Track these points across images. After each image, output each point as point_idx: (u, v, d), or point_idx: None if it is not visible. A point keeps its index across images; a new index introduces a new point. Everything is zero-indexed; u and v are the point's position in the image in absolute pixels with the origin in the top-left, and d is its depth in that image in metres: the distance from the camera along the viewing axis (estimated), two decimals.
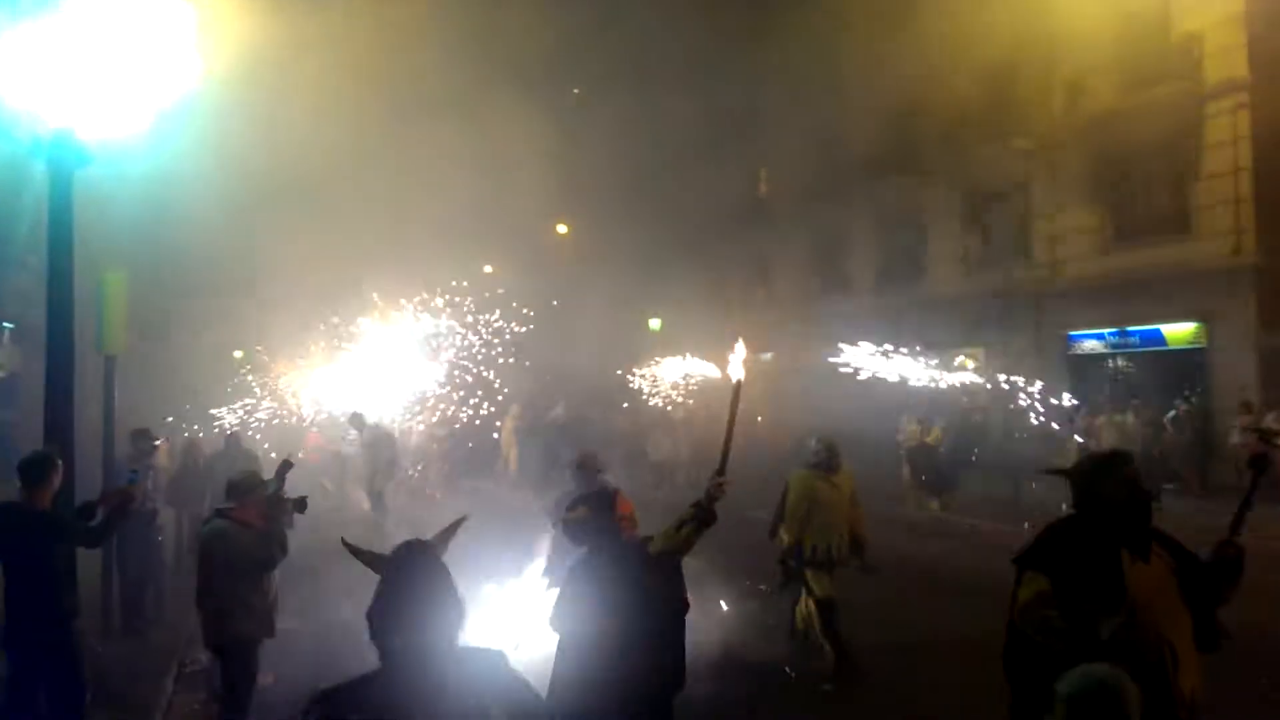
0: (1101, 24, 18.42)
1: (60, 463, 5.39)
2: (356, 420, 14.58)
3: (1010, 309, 21.10)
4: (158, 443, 9.26)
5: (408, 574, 2.37)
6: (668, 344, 28.32)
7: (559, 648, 3.93)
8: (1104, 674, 2.63)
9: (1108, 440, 16.43)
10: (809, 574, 7.10)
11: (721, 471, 4.01)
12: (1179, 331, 17.88)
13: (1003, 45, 20.26)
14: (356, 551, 2.68)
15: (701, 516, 3.91)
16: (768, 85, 29.32)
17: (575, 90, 35.90)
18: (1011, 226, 21.86)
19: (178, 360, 20.47)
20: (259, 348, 20.87)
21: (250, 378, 21.04)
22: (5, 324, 15.96)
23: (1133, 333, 18.62)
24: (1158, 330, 18.15)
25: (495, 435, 21.82)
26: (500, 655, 2.43)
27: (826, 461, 7.28)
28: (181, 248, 18.94)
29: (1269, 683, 6.38)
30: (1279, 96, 16.42)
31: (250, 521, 5.52)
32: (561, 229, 36.32)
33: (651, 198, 34.33)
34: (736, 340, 4.33)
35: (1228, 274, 16.68)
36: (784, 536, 7.25)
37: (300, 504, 5.87)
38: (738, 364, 4.24)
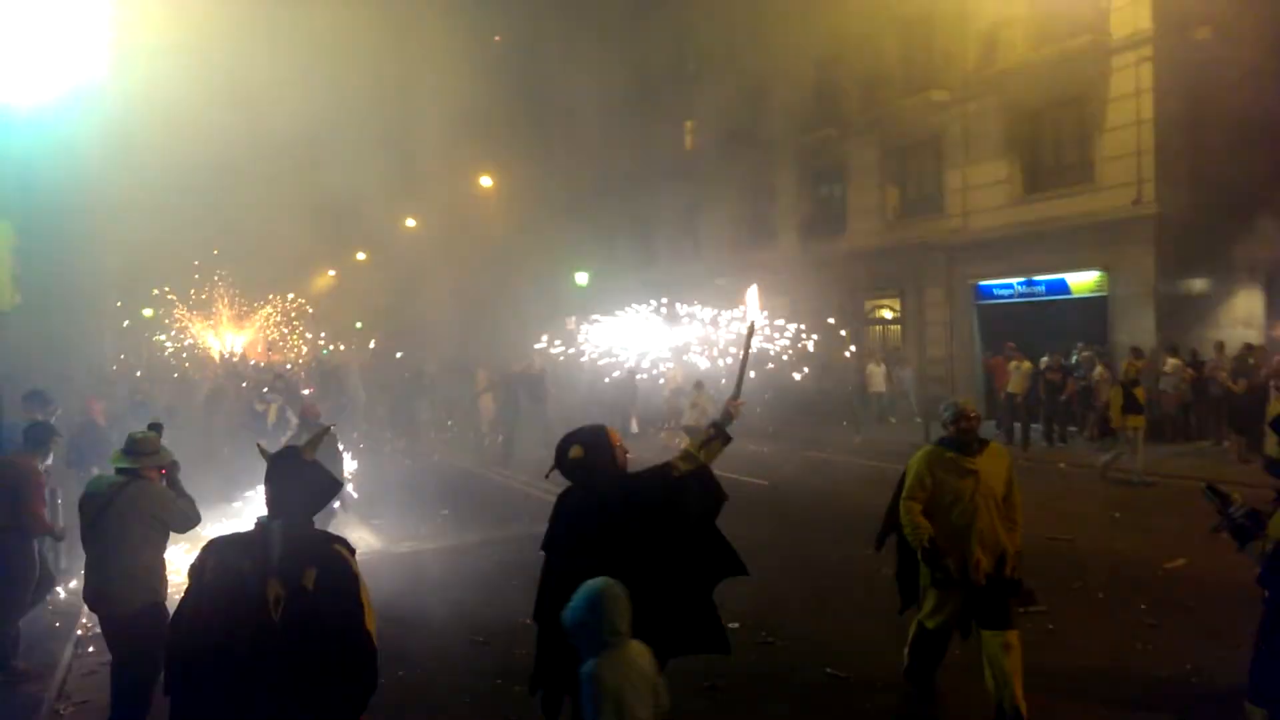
0: None
1: None
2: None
3: (925, 260, 21.65)
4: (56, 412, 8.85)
5: (273, 470, 3.23)
6: (594, 299, 28.29)
7: (546, 571, 4.04)
8: (592, 585, 3.28)
9: (1013, 385, 17.12)
10: (929, 593, 5.34)
11: (736, 395, 4.60)
12: (1083, 281, 18.54)
13: None
14: (263, 452, 3.44)
15: (722, 435, 4.35)
16: (694, 36, 29.17)
17: (496, 38, 35.12)
18: (927, 179, 22.30)
19: (81, 322, 19.73)
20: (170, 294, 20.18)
21: (162, 335, 20.40)
22: None
23: (1038, 282, 19.26)
24: (1063, 280, 18.80)
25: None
26: (337, 541, 3.16)
27: (958, 435, 5.24)
28: (75, 201, 18.13)
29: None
30: (1180, 49, 17.04)
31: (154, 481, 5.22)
32: (486, 181, 35.72)
33: (578, 151, 34.03)
34: (750, 287, 5.41)
35: (1129, 224, 17.30)
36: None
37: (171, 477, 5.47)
38: (753, 307, 5.33)
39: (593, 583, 3.31)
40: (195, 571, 3.05)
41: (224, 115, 21.01)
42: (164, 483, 5.27)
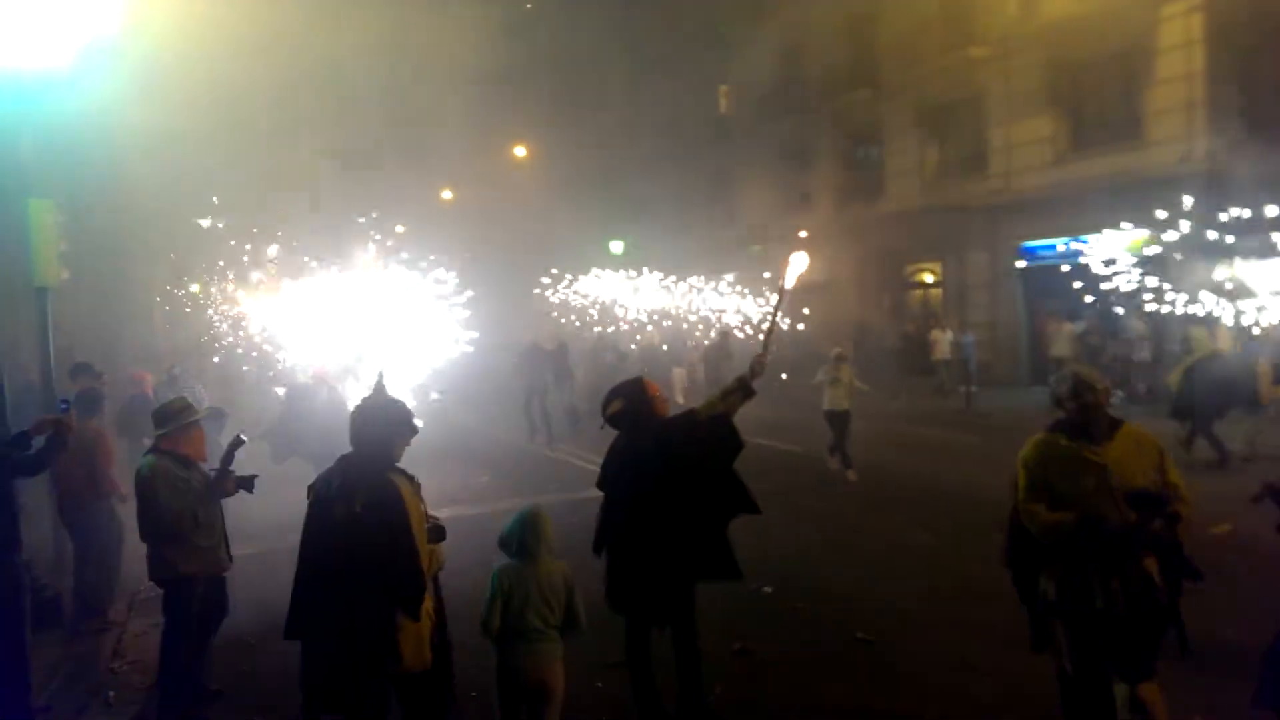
0: None
1: None
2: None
3: (965, 222, 21.24)
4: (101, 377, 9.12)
5: (359, 410, 3.89)
6: (629, 265, 28.22)
7: (609, 503, 4.73)
8: (525, 508, 4.12)
9: (1057, 349, 16.81)
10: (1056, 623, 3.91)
11: (764, 350, 4.90)
12: (1130, 241, 18.05)
13: None
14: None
15: (745, 388, 4.70)
16: (726, 1, 28.71)
17: (528, 4, 34.92)
18: (967, 139, 21.83)
19: (128, 294, 20.16)
20: (222, 277, 20.45)
21: (211, 311, 20.69)
22: None
23: (1083, 242, 18.81)
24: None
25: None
26: (394, 472, 3.78)
27: (1080, 416, 3.87)
28: (123, 181, 18.49)
29: None
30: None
31: (184, 454, 5.26)
32: (520, 151, 35.70)
33: (611, 118, 33.84)
34: (798, 253, 5.24)
35: (1178, 181, 16.79)
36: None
37: (247, 483, 5.44)
38: (793, 275, 5.23)
39: (526, 506, 4.13)
40: (313, 488, 3.82)
41: (247, 73, 21.10)
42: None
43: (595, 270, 25.15)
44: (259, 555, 7.34)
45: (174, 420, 5.25)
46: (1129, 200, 17.47)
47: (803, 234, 5.65)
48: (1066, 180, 18.85)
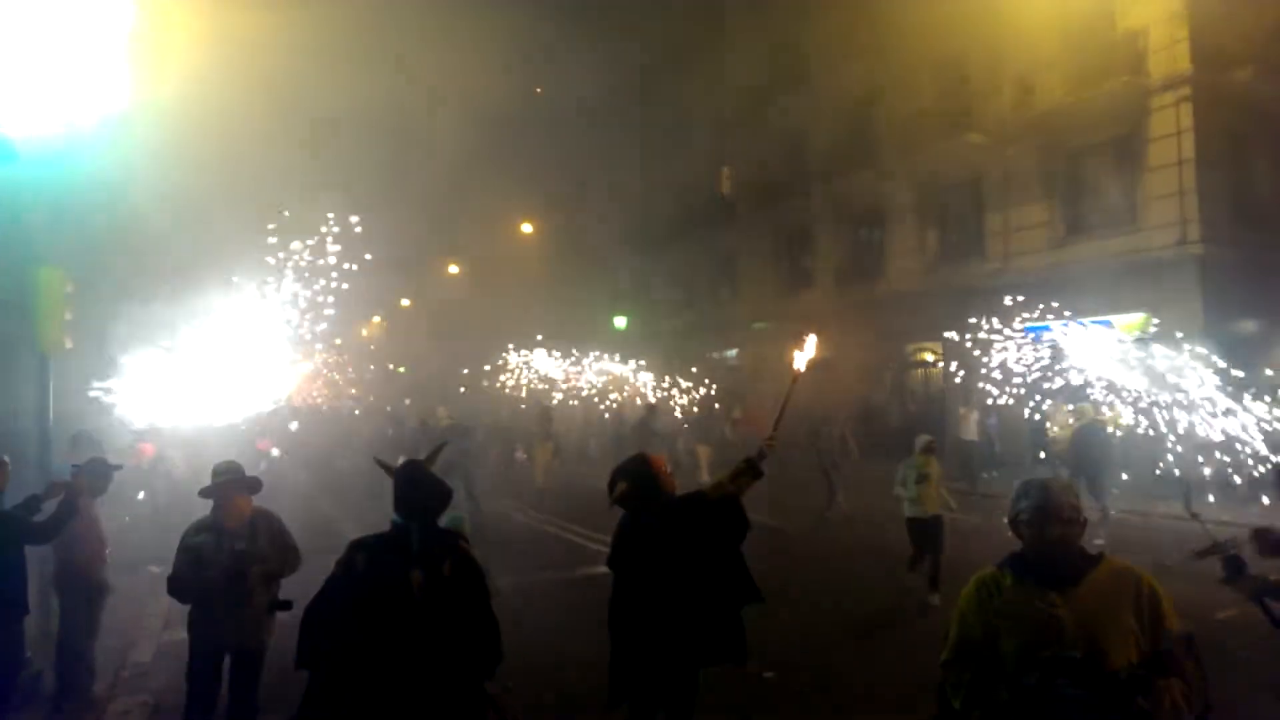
0: (1048, 21, 18.79)
1: (5, 461, 5.45)
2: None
3: (967, 303, 21.39)
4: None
5: (403, 479, 3.80)
6: (631, 343, 28.43)
7: (617, 584, 4.58)
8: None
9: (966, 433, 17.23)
10: None
11: (774, 431, 4.98)
12: (1128, 323, 18.19)
13: (955, 42, 20.63)
14: (384, 466, 4.15)
15: (754, 470, 4.72)
16: (729, 83, 29.51)
17: (538, 90, 35.87)
18: (967, 221, 22.16)
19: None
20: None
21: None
22: None
23: (1083, 325, 18.92)
24: (1108, 322, 18.44)
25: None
26: (461, 539, 3.95)
27: (1032, 550, 3.01)
28: (131, 250, 18.73)
29: None
30: (1219, 88, 16.89)
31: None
32: (527, 228, 36.25)
33: (616, 196, 34.44)
34: (808, 337, 5.49)
35: (1173, 265, 17.02)
36: None
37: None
38: (803, 359, 5.37)
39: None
40: (345, 564, 3.66)
41: (260, 148, 21.57)
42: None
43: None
44: None
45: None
46: (1127, 283, 17.70)
47: (810, 336, 5.62)
48: (1064, 263, 19.07)
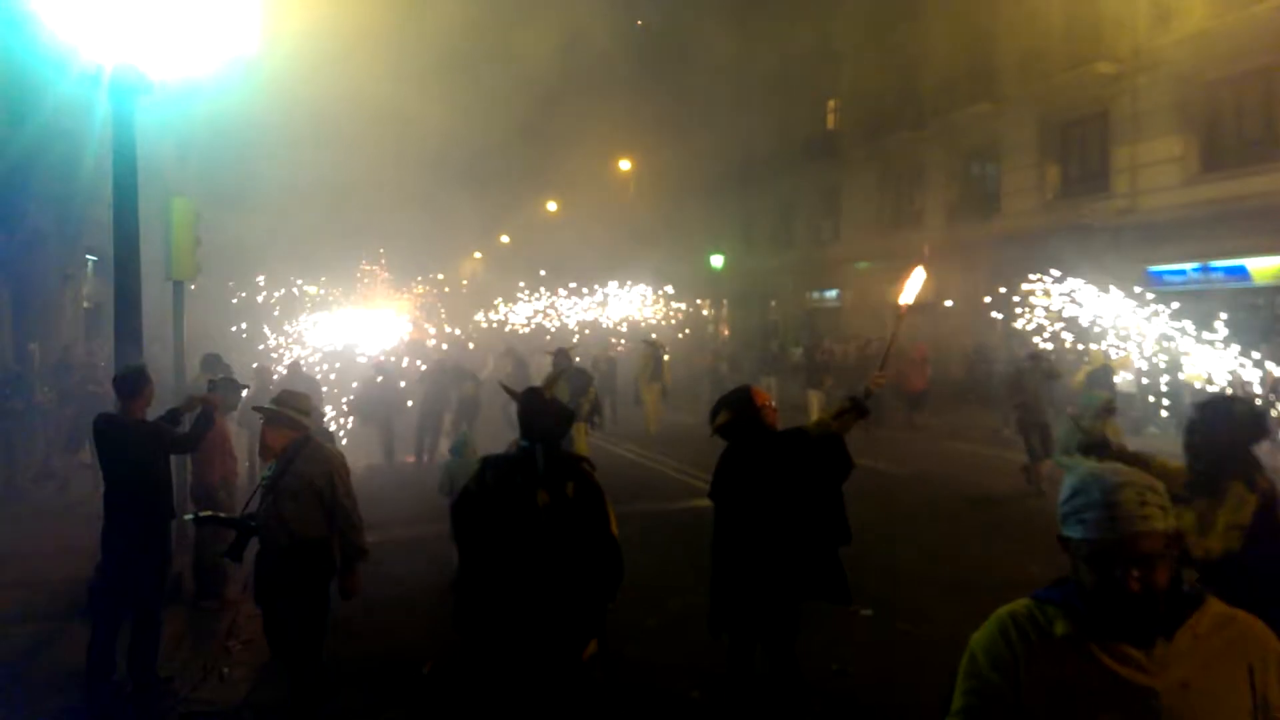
0: None
1: (150, 377, 5.74)
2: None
3: (1087, 242, 20.38)
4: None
5: (526, 405, 3.94)
6: (730, 282, 28.22)
7: (719, 515, 4.63)
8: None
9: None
10: None
11: (881, 369, 4.94)
12: (1266, 267, 17.04)
13: None
14: (510, 391, 4.29)
15: (858, 408, 4.62)
16: (839, 11, 28.39)
17: (639, 22, 35.35)
18: (1091, 157, 20.98)
19: (247, 292, 21.14)
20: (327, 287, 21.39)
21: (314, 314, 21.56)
22: (89, 256, 16.72)
23: (1215, 269, 17.82)
24: (1242, 266, 17.33)
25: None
26: (584, 461, 3.99)
27: (1097, 584, 1.83)
28: (254, 185, 19.52)
29: None
30: None
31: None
32: (625, 165, 36.08)
33: (718, 132, 33.87)
34: (915, 269, 5.11)
35: None
36: None
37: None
38: (911, 292, 5.07)
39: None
40: (478, 478, 3.85)
41: (372, 90, 22.04)
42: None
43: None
44: None
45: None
46: (1264, 226, 16.52)
47: (925, 250, 5.40)
48: (1196, 202, 17.91)
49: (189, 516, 6.04)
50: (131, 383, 5.55)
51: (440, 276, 43.11)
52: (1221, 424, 3.95)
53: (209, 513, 5.82)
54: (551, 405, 4.02)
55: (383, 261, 35.20)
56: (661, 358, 18.54)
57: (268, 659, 5.67)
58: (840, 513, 4.53)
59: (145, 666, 5.43)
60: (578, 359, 15.56)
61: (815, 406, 18.06)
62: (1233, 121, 17.99)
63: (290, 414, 4.86)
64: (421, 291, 37.19)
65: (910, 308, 5.15)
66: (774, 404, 4.78)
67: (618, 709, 4.89)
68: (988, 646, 1.95)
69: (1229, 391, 9.67)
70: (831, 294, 30.53)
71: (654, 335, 20.06)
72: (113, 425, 5.49)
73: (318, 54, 16.81)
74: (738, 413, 4.62)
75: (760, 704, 4.53)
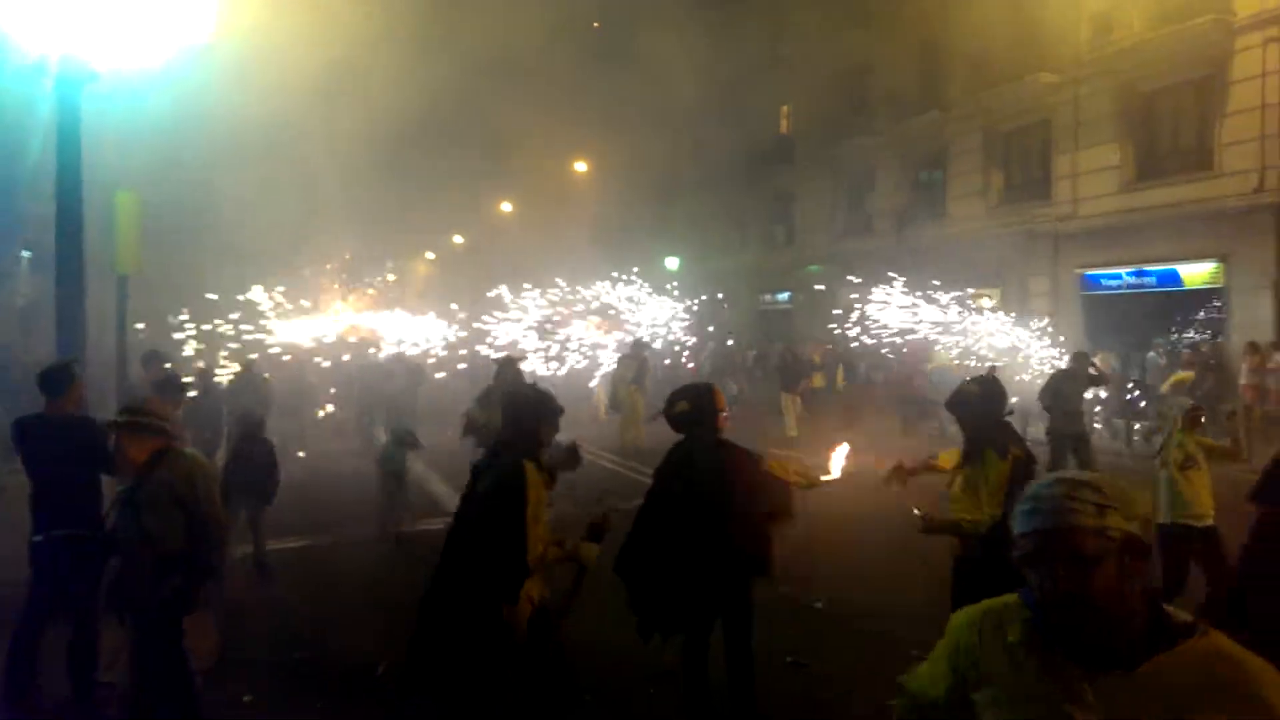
0: None
1: (78, 373, 5.42)
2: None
3: (1029, 248, 20.94)
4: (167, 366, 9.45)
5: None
6: (684, 285, 28.31)
7: (645, 502, 4.62)
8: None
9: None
10: None
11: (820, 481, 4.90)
12: (1197, 273, 17.67)
13: None
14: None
15: (816, 485, 4.79)
16: (790, 18, 28.75)
17: (595, 24, 35.34)
18: (1033, 164, 21.55)
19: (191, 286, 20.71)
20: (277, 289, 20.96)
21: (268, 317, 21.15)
22: (24, 251, 16.26)
23: (1149, 273, 18.43)
24: (1174, 271, 17.95)
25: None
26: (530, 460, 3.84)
27: (1046, 589, 1.67)
28: (199, 180, 19.13)
29: None
30: None
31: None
32: (581, 166, 36.05)
33: (671, 135, 34.00)
34: (841, 447, 5.09)
35: (1248, 213, 16.40)
36: None
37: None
38: (837, 466, 5.01)
39: None
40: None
41: (322, 84, 21.69)
42: None
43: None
44: None
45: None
46: (1198, 231, 17.14)
47: (842, 446, 5.22)
48: (1132, 209, 18.51)
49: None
50: (53, 378, 5.24)
51: (392, 278, 42.61)
52: (975, 400, 4.65)
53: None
54: (532, 402, 4.11)
55: (328, 267, 34.56)
56: (647, 361, 17.52)
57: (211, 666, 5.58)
58: (766, 546, 4.54)
59: (84, 673, 5.21)
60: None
61: (790, 410, 17.73)
62: (1168, 131, 18.63)
63: (152, 421, 4.38)
64: (373, 293, 36.72)
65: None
66: (726, 411, 4.76)
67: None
68: (956, 632, 1.89)
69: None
70: (783, 296, 30.88)
71: (641, 335, 18.93)
72: (35, 424, 5.21)
73: (267, 47, 16.54)
74: (696, 406, 4.64)
75: (715, 696, 4.57)
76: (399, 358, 17.97)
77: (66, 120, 6.14)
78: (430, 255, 52.08)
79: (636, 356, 17.09)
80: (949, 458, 4.95)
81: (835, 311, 20.77)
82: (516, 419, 3.97)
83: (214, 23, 6.77)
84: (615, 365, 17.22)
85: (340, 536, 9.47)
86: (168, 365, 9.15)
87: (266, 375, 13.44)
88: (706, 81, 31.43)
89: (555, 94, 33.60)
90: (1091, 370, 11.49)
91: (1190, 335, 17.71)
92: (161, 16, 6.46)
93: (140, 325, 14.32)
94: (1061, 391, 10.82)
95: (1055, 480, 1.73)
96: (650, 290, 24.89)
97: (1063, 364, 12.98)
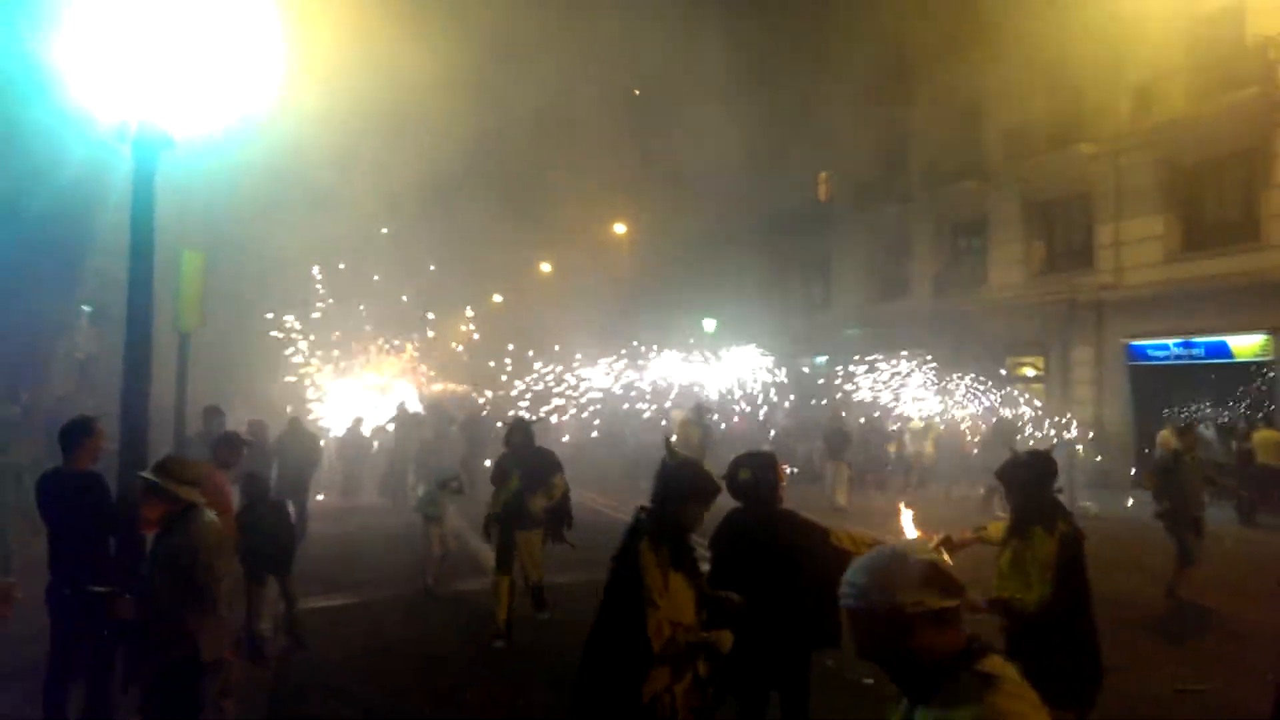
0: (1174, 28, 18.11)
1: (97, 427, 5.51)
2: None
3: (1072, 316, 20.77)
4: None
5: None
6: (722, 347, 28.39)
7: (711, 571, 4.37)
8: None
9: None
10: None
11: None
12: (1246, 345, 17.40)
13: (1070, 48, 20.01)
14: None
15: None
16: (832, 87, 29.19)
17: (635, 91, 36.12)
18: (1075, 233, 21.49)
19: (250, 343, 21.11)
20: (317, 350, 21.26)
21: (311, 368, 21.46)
22: (84, 306, 16.75)
23: (1197, 344, 18.17)
24: (1224, 342, 17.68)
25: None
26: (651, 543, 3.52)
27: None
28: (256, 236, 19.70)
29: None
30: None
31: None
32: (620, 228, 36.55)
33: (711, 199, 34.44)
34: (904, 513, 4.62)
35: None
36: None
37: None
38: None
39: None
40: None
41: (377, 151, 22.34)
42: None
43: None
44: None
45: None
46: (1247, 302, 16.91)
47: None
48: (1178, 279, 18.34)
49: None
50: (68, 435, 5.38)
51: (431, 335, 43.14)
52: (1022, 474, 4.65)
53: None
54: (679, 479, 3.67)
55: (368, 329, 34.92)
56: (710, 425, 16.13)
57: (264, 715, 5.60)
58: (836, 618, 4.38)
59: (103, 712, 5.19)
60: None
61: (841, 479, 16.82)
62: (1213, 202, 18.54)
63: (166, 485, 4.27)
64: (410, 354, 37.06)
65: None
66: (785, 482, 4.72)
67: None
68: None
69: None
70: (821, 359, 30.81)
71: (703, 396, 17.83)
72: (51, 479, 5.33)
73: (320, 112, 17.13)
74: (758, 476, 4.56)
75: None
76: (437, 406, 18.50)
77: (141, 184, 6.38)
78: (470, 312, 52.68)
79: (699, 421, 16.31)
80: (997, 529, 4.89)
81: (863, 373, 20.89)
82: (663, 495, 3.61)
83: (275, 93, 7.05)
84: (677, 429, 16.39)
85: (384, 593, 9.49)
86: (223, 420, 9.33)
87: (324, 427, 13.67)
88: (747, 147, 31.92)
89: (596, 157, 34.26)
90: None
91: (1244, 407, 17.36)
92: (227, 84, 6.72)
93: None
94: (1177, 472, 9.26)
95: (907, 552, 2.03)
96: (708, 354, 24.97)
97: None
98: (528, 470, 8.08)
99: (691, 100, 32.58)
